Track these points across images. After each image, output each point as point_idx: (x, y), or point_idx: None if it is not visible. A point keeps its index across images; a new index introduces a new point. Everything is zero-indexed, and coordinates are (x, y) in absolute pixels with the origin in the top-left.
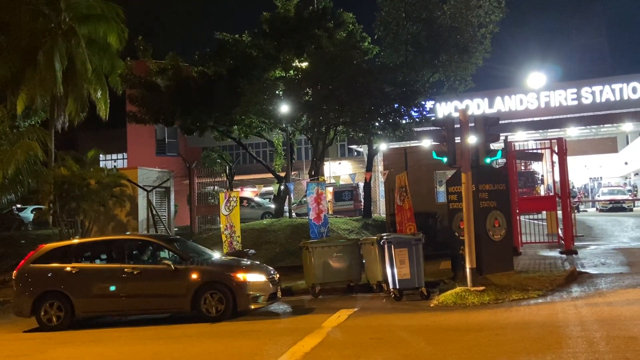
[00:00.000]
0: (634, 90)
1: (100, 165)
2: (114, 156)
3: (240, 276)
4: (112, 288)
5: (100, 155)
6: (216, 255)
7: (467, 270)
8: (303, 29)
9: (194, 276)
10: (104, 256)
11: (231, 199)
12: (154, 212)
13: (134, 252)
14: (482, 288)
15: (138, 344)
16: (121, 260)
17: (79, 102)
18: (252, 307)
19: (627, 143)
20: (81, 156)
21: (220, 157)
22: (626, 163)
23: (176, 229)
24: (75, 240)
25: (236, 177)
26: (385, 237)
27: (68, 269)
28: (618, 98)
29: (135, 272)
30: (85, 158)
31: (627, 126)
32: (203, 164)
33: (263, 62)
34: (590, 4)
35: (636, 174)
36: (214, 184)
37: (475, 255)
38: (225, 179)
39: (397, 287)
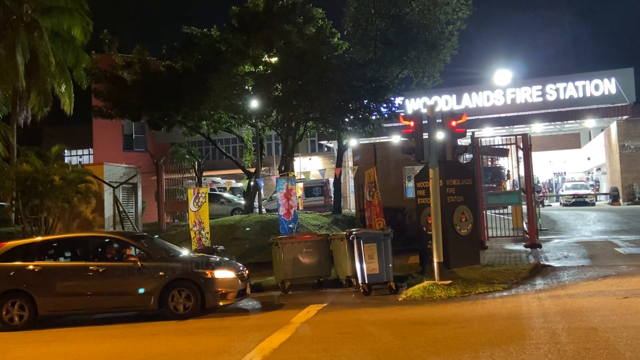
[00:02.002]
0: (597, 87)
1: (65, 161)
2: (80, 152)
3: (209, 273)
4: (77, 286)
5: (65, 151)
6: (184, 252)
7: (435, 265)
8: (272, 23)
9: (161, 273)
10: (68, 254)
11: (200, 195)
12: (121, 209)
13: (100, 250)
14: (449, 282)
15: (103, 343)
16: (86, 258)
17: (42, 96)
18: (221, 304)
19: (590, 139)
20: (45, 152)
21: (189, 152)
22: (589, 158)
23: (143, 226)
24: (39, 238)
25: (205, 173)
26: (354, 233)
27: (31, 267)
28: (581, 95)
29: (100, 270)
30: (49, 154)
31: (590, 122)
32: (171, 160)
33: (232, 57)
34: (555, 4)
35: (598, 169)
36: (182, 180)
37: (442, 249)
38: (194, 174)
39: (366, 282)
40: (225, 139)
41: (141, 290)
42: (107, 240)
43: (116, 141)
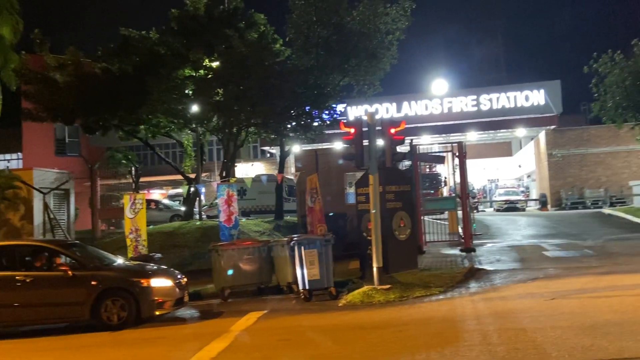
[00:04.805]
0: (527, 98)
1: None
2: (8, 156)
3: (144, 281)
4: (3, 297)
5: None
6: (119, 260)
7: (374, 270)
8: (213, 28)
9: (94, 283)
10: None
11: (136, 201)
12: (52, 216)
13: (27, 259)
14: (388, 286)
15: (31, 357)
16: (13, 267)
17: None
18: (157, 313)
19: (521, 147)
20: None
21: (126, 157)
22: (520, 166)
23: (76, 234)
24: None
25: (144, 179)
26: (295, 239)
27: None
28: (513, 105)
29: (28, 280)
30: None
31: (521, 131)
32: (107, 165)
33: (172, 60)
34: (489, 18)
35: (528, 176)
36: (119, 186)
37: (382, 254)
38: (131, 180)
39: (307, 287)
40: (165, 143)
41: (72, 301)
42: (35, 248)
43: (48, 145)
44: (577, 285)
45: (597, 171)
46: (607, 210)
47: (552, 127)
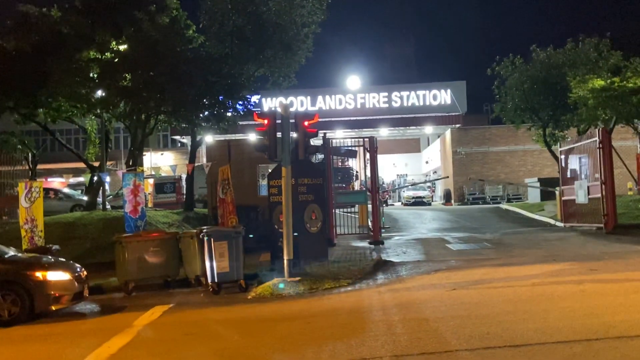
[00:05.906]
0: (435, 97)
1: None
2: None
3: (39, 274)
4: None
5: None
6: (11, 252)
7: (285, 262)
8: (122, 9)
9: None
10: None
11: (33, 189)
12: None
13: None
14: (298, 279)
15: None
16: None
17: None
18: (54, 308)
19: (428, 144)
20: None
21: (22, 142)
22: (427, 162)
23: None
24: None
25: (42, 166)
26: (205, 231)
27: None
28: (422, 104)
29: None
30: None
31: (428, 129)
32: (0, 150)
33: (75, 40)
34: (403, 18)
35: (435, 172)
36: (15, 173)
37: (292, 247)
38: (27, 167)
39: (216, 280)
40: (67, 129)
41: None
42: None
43: None
44: (476, 277)
45: (497, 169)
46: (504, 206)
47: (457, 125)
